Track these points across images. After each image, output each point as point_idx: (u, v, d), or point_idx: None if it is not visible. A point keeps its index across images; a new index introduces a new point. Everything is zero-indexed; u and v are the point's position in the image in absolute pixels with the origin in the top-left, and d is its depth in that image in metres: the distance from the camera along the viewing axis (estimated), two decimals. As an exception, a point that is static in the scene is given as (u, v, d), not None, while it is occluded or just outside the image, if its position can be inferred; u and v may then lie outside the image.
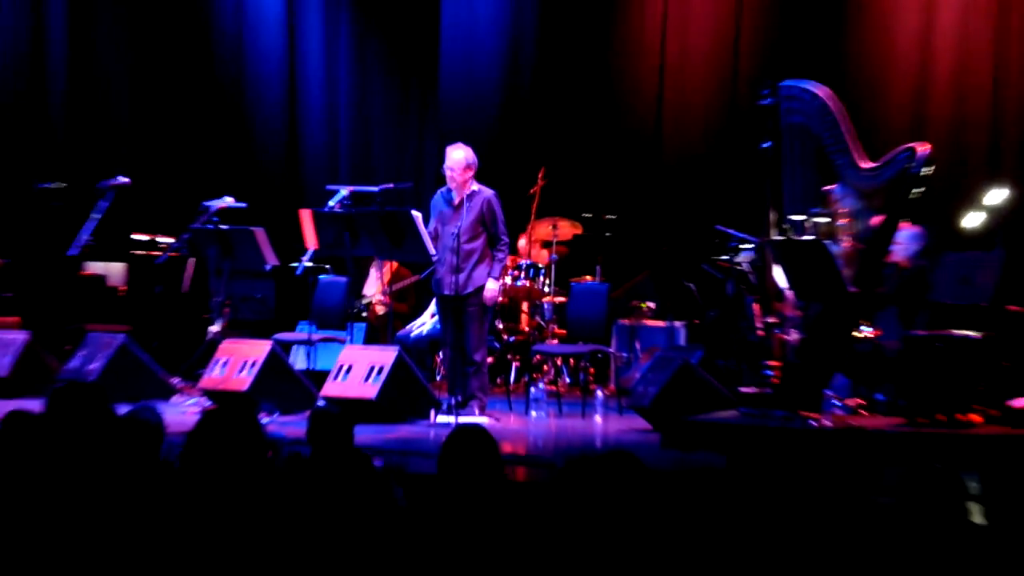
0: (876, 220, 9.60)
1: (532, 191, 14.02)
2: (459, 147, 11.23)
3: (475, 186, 11.10)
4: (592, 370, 12.96)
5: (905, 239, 10.23)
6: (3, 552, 4.50)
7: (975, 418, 9.20)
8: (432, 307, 12.59)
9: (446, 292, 11.06)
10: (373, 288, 13.78)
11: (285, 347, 11.64)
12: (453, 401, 10.93)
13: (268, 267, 11.89)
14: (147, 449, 5.48)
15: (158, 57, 16.10)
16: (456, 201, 11.06)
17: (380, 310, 13.34)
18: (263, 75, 16.58)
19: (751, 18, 14.77)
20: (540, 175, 14.08)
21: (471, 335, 11.17)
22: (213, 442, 4.75)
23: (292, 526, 4.42)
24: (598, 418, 11.39)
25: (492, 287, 11.09)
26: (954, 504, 4.62)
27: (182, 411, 10.68)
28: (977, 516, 4.73)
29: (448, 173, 11.12)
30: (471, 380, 11.19)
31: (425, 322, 12.92)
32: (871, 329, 9.99)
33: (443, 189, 11.26)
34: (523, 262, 13.39)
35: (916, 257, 10.39)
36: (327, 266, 13.53)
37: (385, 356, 10.72)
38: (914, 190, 9.59)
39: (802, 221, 9.78)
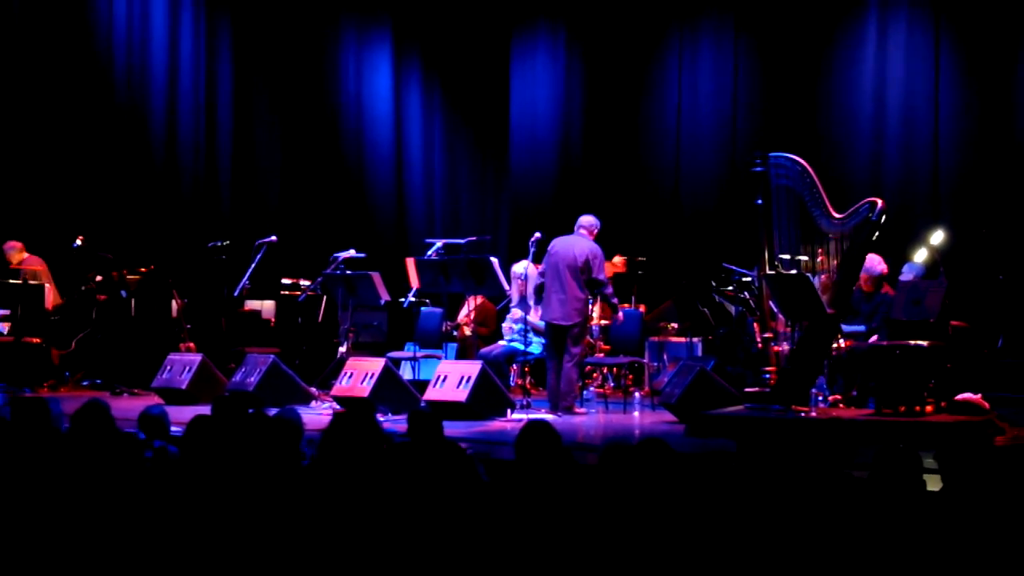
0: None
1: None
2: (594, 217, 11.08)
3: None
4: (631, 376, 12.86)
5: (869, 271, 10.14)
6: (202, 505, 4.57)
7: (928, 408, 9.10)
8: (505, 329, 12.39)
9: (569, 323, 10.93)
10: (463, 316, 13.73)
11: (396, 363, 11.63)
12: (560, 411, 10.73)
13: (382, 302, 11.89)
14: (290, 441, 5.52)
15: (299, 150, 16.31)
16: None
17: (467, 332, 13.29)
18: (377, 158, 16.64)
19: (744, 102, 14.67)
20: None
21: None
22: (344, 435, 4.81)
23: (400, 493, 4.44)
24: (636, 413, 11.30)
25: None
26: (913, 475, 4.56)
27: (318, 413, 10.68)
28: (931, 484, 4.67)
29: (585, 232, 10.97)
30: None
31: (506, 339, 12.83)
32: (844, 341, 9.92)
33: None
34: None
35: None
36: (427, 300, 13.53)
37: (472, 368, 10.61)
38: (874, 234, 9.55)
39: (789, 259, 9.72)
